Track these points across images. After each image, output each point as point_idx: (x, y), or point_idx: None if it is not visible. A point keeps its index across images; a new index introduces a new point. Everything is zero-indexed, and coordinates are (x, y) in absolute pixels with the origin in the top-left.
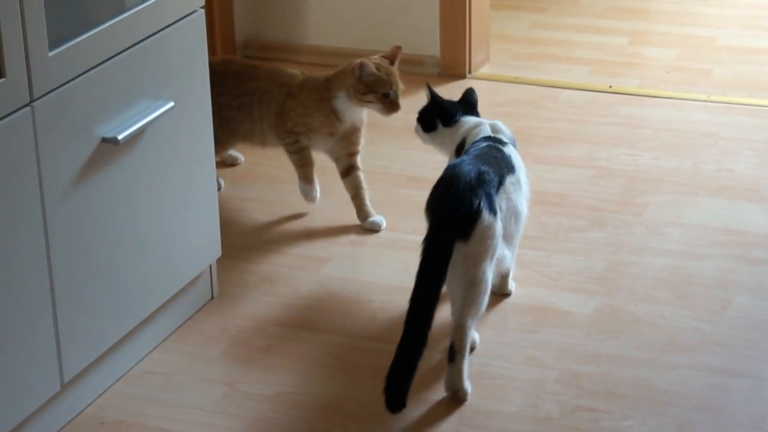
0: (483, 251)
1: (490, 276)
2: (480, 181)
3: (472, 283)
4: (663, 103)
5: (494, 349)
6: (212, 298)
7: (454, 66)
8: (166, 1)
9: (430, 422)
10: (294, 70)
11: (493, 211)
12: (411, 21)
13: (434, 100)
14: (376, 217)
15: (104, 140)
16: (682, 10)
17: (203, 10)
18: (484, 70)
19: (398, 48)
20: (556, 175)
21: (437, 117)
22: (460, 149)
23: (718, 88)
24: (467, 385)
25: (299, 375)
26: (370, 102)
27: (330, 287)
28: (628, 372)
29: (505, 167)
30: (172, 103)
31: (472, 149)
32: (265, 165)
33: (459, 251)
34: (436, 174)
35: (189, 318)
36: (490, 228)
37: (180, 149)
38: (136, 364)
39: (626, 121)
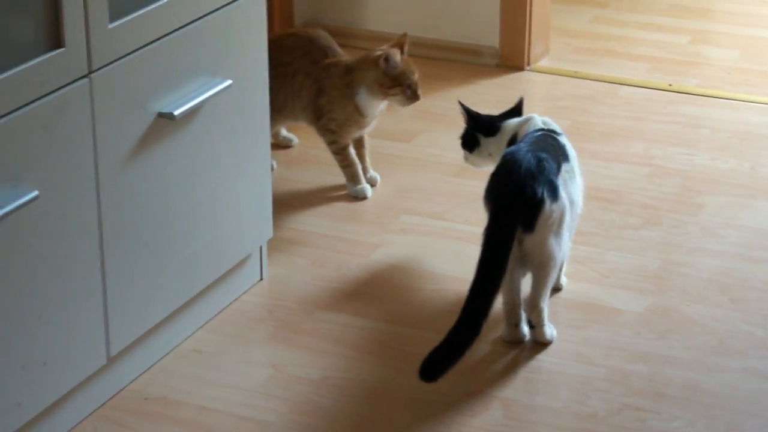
0: (547, 234)
1: (558, 252)
2: (540, 168)
3: (541, 265)
4: (722, 103)
5: (544, 345)
6: (261, 279)
7: (513, 57)
8: None
9: (475, 413)
10: (322, 39)
11: (555, 197)
12: (470, 10)
13: (469, 114)
14: (372, 172)
15: (160, 115)
16: (745, 11)
17: None
18: (543, 63)
19: (404, 35)
20: (612, 171)
21: (477, 131)
22: (512, 144)
23: None
24: (550, 336)
25: (345, 360)
26: (395, 95)
27: (379, 274)
28: (678, 373)
29: (561, 155)
30: (230, 81)
31: (527, 138)
32: (320, 148)
33: (526, 241)
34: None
35: (237, 298)
36: (552, 215)
37: (235, 128)
38: (182, 341)
39: (684, 120)
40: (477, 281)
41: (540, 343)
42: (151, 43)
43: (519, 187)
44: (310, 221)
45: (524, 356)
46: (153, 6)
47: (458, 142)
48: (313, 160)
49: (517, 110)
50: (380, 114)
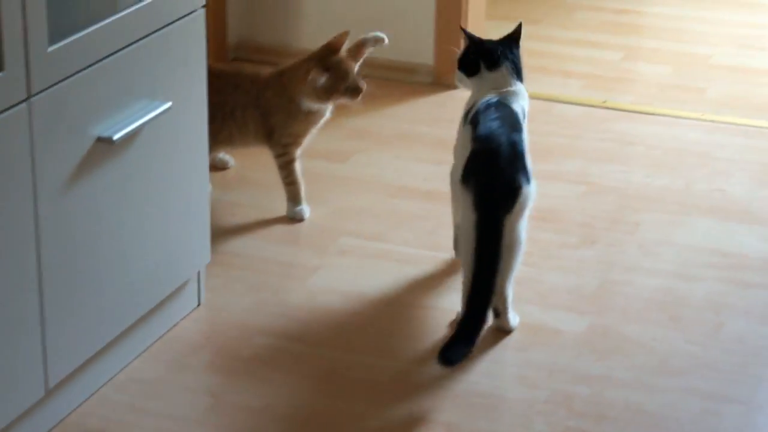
0: (519, 217)
1: (524, 235)
2: (515, 153)
3: (510, 247)
4: (656, 120)
5: (484, 367)
6: (199, 305)
7: (448, 75)
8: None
9: None
10: (245, 68)
11: (528, 180)
12: (406, 28)
13: (472, 39)
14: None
15: (99, 139)
16: (676, 26)
17: (204, 10)
18: None
19: (344, 34)
20: (548, 190)
21: (480, 58)
22: (469, 115)
23: (712, 106)
24: (513, 324)
25: (287, 387)
26: (338, 99)
27: (319, 298)
28: (620, 394)
29: (518, 125)
30: (169, 104)
31: (488, 112)
32: (256, 170)
33: None
34: (429, 184)
35: (175, 325)
36: (526, 198)
37: (175, 151)
38: (120, 370)
39: (619, 138)
40: (477, 269)
41: (503, 331)
42: (91, 65)
43: (502, 177)
44: (247, 244)
45: (465, 380)
46: (92, 28)
47: (396, 162)
48: (250, 182)
49: (516, 35)
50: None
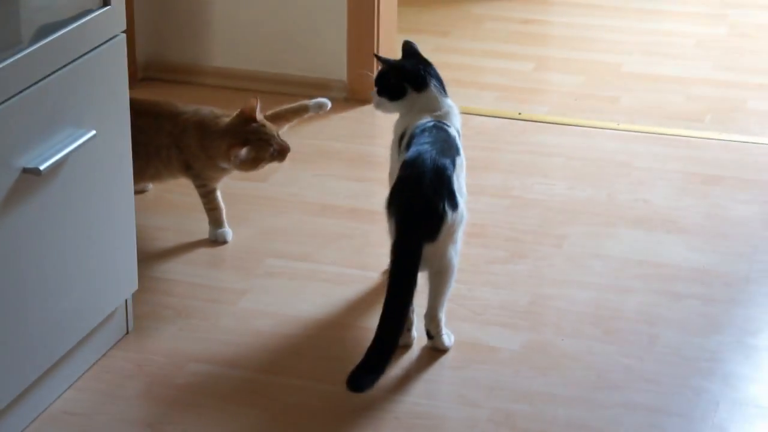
0: (448, 243)
1: (455, 259)
2: (441, 180)
3: (441, 273)
4: (573, 131)
5: (423, 387)
6: (127, 333)
7: (362, 90)
8: (87, 26)
9: None
10: (164, 106)
11: (454, 206)
12: (318, 44)
13: (390, 64)
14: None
15: (26, 171)
16: (584, 35)
17: (124, 35)
18: None
19: (254, 100)
20: (473, 204)
21: (406, 81)
22: (403, 140)
23: (627, 115)
24: (448, 343)
25: (222, 414)
26: (267, 164)
27: (249, 321)
28: (561, 410)
29: (454, 150)
30: (94, 132)
31: (421, 135)
32: (176, 192)
33: (426, 249)
34: (352, 202)
35: (104, 354)
36: (453, 224)
37: (100, 179)
38: (52, 403)
39: (538, 149)
40: (391, 295)
41: (439, 351)
42: (13, 96)
43: (423, 203)
44: (173, 269)
45: (405, 401)
46: (12, 59)
47: (317, 180)
48: (169, 205)
49: (412, 51)
50: None
